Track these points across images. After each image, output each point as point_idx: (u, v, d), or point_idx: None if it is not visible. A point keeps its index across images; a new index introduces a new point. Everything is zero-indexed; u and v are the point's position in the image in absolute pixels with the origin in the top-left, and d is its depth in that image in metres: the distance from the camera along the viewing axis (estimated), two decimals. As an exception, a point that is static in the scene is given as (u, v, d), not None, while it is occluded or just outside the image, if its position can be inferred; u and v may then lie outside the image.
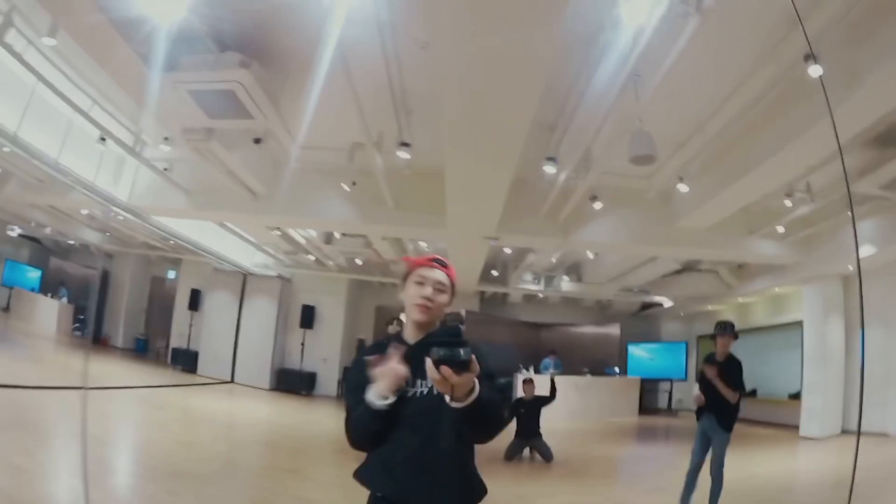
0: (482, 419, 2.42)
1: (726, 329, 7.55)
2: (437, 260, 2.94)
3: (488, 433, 2.56)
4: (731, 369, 7.44)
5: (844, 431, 15.69)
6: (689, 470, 7.58)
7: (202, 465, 8.87)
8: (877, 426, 14.62)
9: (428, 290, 2.80)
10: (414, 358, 2.55)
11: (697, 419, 7.74)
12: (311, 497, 7.93)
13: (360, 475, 2.81)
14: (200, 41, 8.08)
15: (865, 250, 13.58)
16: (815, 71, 7.06)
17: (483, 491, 2.77)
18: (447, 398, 2.31)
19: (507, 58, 6.48)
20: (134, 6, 6.90)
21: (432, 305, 2.80)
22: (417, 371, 2.55)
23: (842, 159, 8.88)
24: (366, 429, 2.63)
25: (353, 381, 2.78)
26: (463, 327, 2.97)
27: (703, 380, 7.61)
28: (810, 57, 6.95)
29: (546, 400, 12.75)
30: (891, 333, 14.88)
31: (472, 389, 2.30)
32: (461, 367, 2.20)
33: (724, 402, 7.41)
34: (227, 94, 8.58)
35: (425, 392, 2.63)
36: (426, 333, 2.82)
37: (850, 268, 15.25)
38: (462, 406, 2.31)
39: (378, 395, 2.51)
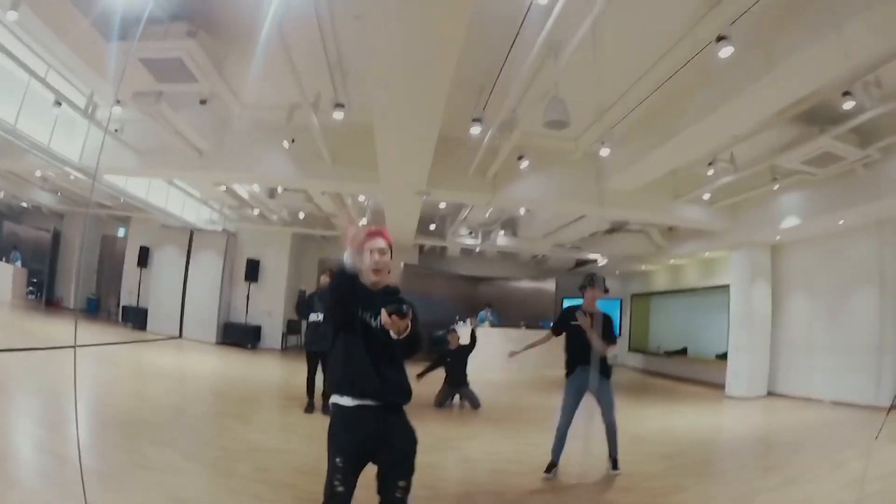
0: (411, 346, 3.88)
1: (595, 282, 7.74)
2: (376, 232, 4.15)
3: (414, 353, 3.98)
4: (608, 324, 7.61)
5: (770, 393, 16.60)
6: (562, 426, 7.46)
7: (155, 415, 9.37)
8: (802, 390, 15.64)
9: (376, 257, 4.04)
10: (373, 300, 3.92)
11: (568, 376, 7.62)
12: (252, 438, 8.51)
13: (332, 386, 4.01)
14: (149, 10, 8.52)
15: (790, 221, 14.52)
16: (725, 52, 7.72)
17: (409, 392, 4.04)
18: (392, 333, 3.72)
19: (425, 25, 7.07)
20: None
21: (380, 266, 4.06)
22: (375, 308, 3.86)
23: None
24: (342, 292, 4.02)
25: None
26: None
27: (573, 336, 7.64)
28: (722, 38, 7.59)
29: (468, 349, 13.42)
30: (815, 301, 15.93)
31: (408, 328, 3.73)
32: (402, 315, 3.67)
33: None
34: (175, 60, 9.17)
35: (378, 326, 3.84)
36: (381, 283, 4.08)
37: (777, 237, 16.17)
38: (399, 338, 3.75)
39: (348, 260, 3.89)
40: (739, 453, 10.09)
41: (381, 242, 4.10)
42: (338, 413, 3.90)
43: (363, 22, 8.00)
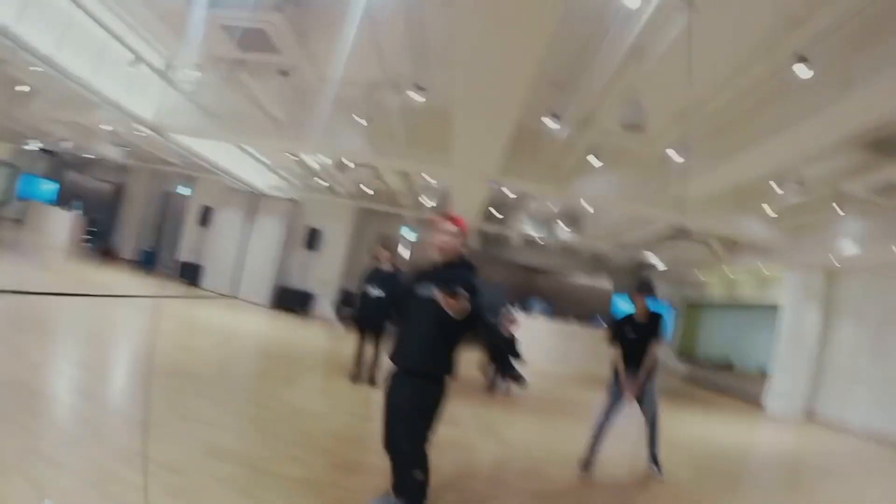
0: (470, 328, 4.27)
1: (643, 288, 7.76)
2: (449, 216, 4.65)
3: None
4: (655, 325, 7.66)
5: (808, 416, 16.37)
6: (601, 425, 7.47)
7: (201, 368, 9.42)
8: (839, 417, 15.40)
9: (441, 237, 4.55)
10: (434, 274, 4.43)
11: (615, 379, 7.61)
12: (294, 402, 8.52)
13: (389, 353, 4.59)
14: None
15: (850, 249, 14.11)
16: (802, 71, 7.58)
17: (452, 370, 4.43)
18: (450, 312, 4.06)
19: (516, 14, 6.94)
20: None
21: (441, 247, 4.54)
22: (433, 281, 4.27)
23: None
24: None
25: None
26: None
27: (622, 339, 7.70)
28: (803, 59, 7.47)
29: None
30: (862, 331, 15.64)
31: (463, 309, 4.05)
32: (453, 295, 3.99)
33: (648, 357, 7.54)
34: (258, 31, 9.16)
35: (429, 297, 4.21)
36: (446, 260, 4.56)
37: (836, 262, 15.74)
38: (455, 316, 4.08)
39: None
40: (769, 471, 9.99)
41: (450, 226, 4.59)
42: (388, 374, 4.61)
43: (452, 7, 7.86)
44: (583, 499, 6.66)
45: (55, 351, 8.44)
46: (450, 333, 4.31)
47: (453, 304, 4.03)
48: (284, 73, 11.03)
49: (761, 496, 8.14)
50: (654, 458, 7.69)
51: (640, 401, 7.61)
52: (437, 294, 4.08)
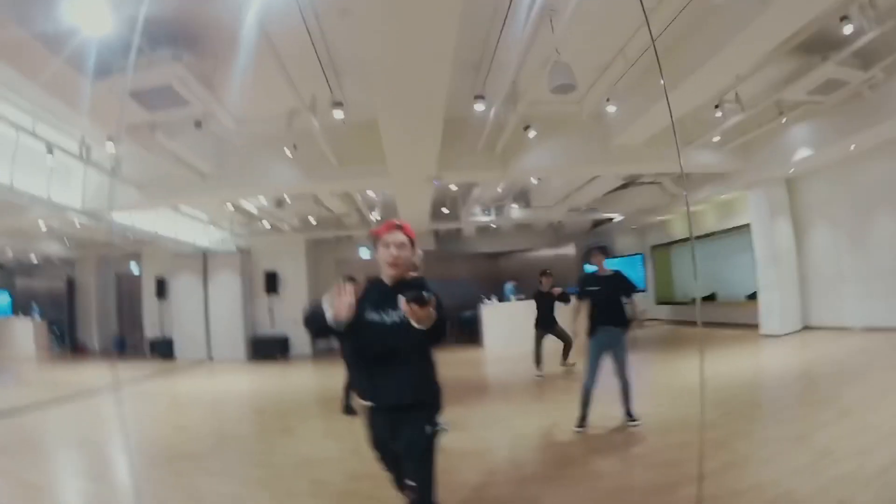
0: (437, 334, 3.57)
1: (593, 249, 8.41)
2: (395, 225, 3.98)
3: (440, 341, 3.70)
4: (620, 281, 8.25)
5: (805, 327, 16.47)
6: (587, 385, 7.97)
7: (199, 444, 9.14)
8: (835, 320, 15.49)
9: (393, 251, 3.88)
10: (391, 295, 3.71)
11: (591, 336, 8.09)
12: (304, 451, 8.29)
13: (354, 388, 4.08)
14: (130, 42, 8.27)
15: (802, 153, 14.32)
16: None
17: (438, 393, 3.97)
18: (414, 323, 3.41)
19: (418, 7, 6.80)
20: (54, 21, 7.13)
21: (399, 261, 3.89)
22: (393, 304, 3.68)
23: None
24: (316, 332, 3.85)
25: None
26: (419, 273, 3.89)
27: (588, 294, 8.25)
28: None
29: (558, 297, 13.30)
30: (837, 231, 15.70)
31: (431, 316, 3.42)
32: (422, 303, 3.35)
33: (618, 310, 8.05)
34: (164, 88, 8.93)
35: (398, 321, 3.68)
36: (400, 278, 3.91)
37: (791, 170, 15.92)
38: (425, 328, 3.43)
39: (332, 320, 3.68)
40: (788, 391, 9.98)
41: (399, 236, 3.96)
42: (367, 413, 4.01)
43: (350, 16, 7.72)
44: (617, 467, 6.66)
45: (49, 466, 8.18)
46: (425, 350, 3.88)
47: (423, 315, 3.42)
48: (198, 124, 10.82)
49: (791, 417, 8.09)
50: (628, 412, 8.04)
51: (613, 356, 7.99)
52: (405, 307, 3.44)
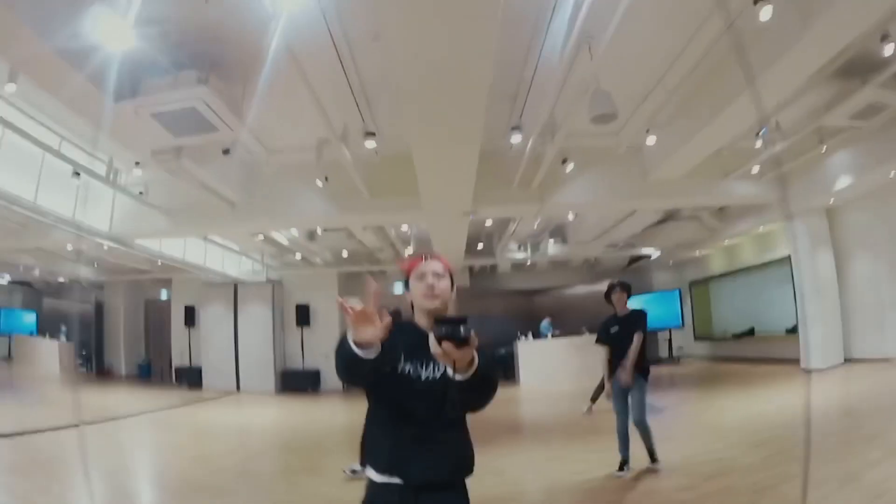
0: (480, 388, 2.61)
1: (615, 287, 8.11)
2: (431, 256, 3.15)
3: (484, 402, 2.74)
4: (636, 319, 7.95)
5: (847, 360, 15.96)
6: (620, 426, 7.86)
7: (219, 478, 8.91)
8: (877, 352, 14.98)
9: (430, 279, 2.99)
10: (424, 342, 2.54)
11: (610, 377, 7.98)
12: (328, 492, 7.93)
13: (369, 456, 2.99)
14: (155, 62, 8.12)
15: (843, 181, 13.89)
16: (765, 13, 7.20)
17: (473, 455, 2.97)
18: (449, 371, 2.48)
19: (453, 34, 6.51)
20: (78, 37, 6.95)
21: (437, 292, 2.98)
22: (429, 354, 2.53)
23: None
24: (346, 365, 2.72)
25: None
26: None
27: (607, 338, 8.06)
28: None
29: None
30: (878, 261, 15.33)
31: (472, 362, 2.47)
32: (461, 342, 2.37)
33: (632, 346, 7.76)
34: (189, 111, 8.66)
35: (437, 377, 2.82)
36: (438, 313, 2.91)
37: (831, 200, 15.52)
38: (464, 378, 2.48)
39: (351, 338, 2.61)
40: (833, 428, 9.50)
41: (435, 265, 3.09)
42: (367, 488, 2.96)
43: (382, 42, 7.41)
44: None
45: (62, 493, 7.85)
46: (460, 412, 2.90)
47: (460, 357, 2.39)
48: (226, 151, 10.61)
49: (838, 456, 7.65)
50: (649, 452, 7.83)
51: (630, 397, 7.82)
52: (434, 347, 2.40)
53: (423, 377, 2.86)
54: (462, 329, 2.38)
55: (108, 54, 7.42)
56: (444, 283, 3.04)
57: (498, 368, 2.84)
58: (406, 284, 3.15)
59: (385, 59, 7.93)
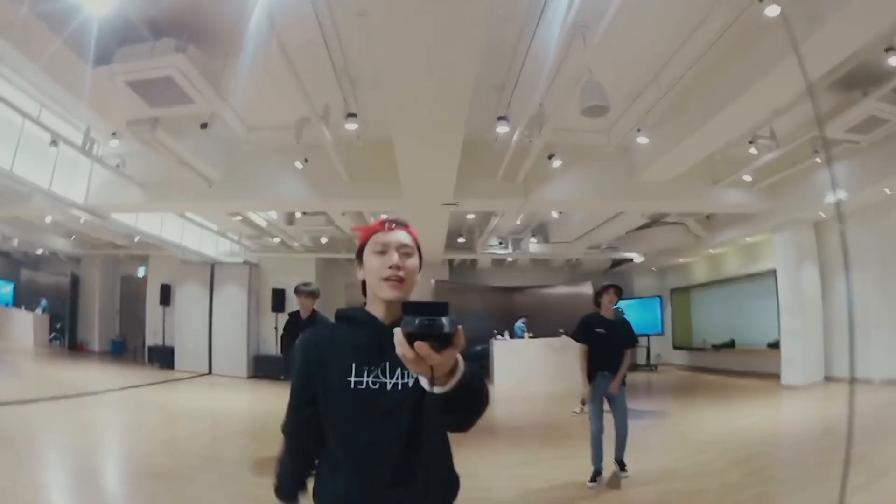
0: (467, 405, 1.80)
1: (608, 288, 7.90)
2: (396, 223, 2.32)
3: (471, 422, 1.91)
4: (627, 333, 7.95)
5: (827, 378, 15.84)
6: (595, 433, 7.63)
7: (180, 463, 8.69)
8: (860, 371, 14.69)
9: (394, 258, 2.18)
10: (389, 338, 1.64)
11: (591, 380, 7.76)
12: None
13: (318, 495, 2.25)
14: (134, 30, 7.95)
15: (834, 196, 13.62)
16: (772, 10, 7.02)
17: (458, 484, 2.30)
18: (424, 383, 1.67)
19: (441, 14, 6.36)
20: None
21: (403, 274, 2.18)
22: (394, 357, 1.67)
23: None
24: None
25: (302, 366, 2.26)
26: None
27: (590, 338, 7.80)
28: None
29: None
30: (866, 278, 15.05)
31: (456, 368, 1.68)
32: (443, 341, 1.56)
33: (617, 356, 7.70)
34: (165, 80, 8.42)
35: (409, 384, 2.11)
36: (397, 301, 2.15)
37: (822, 214, 15.38)
38: (445, 391, 1.67)
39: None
40: (814, 448, 9.34)
41: (402, 235, 2.27)
42: None
43: (368, 18, 7.18)
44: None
45: (21, 470, 7.60)
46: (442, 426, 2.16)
47: (438, 361, 1.57)
48: (204, 125, 10.35)
49: (821, 477, 7.40)
50: (619, 462, 7.78)
51: (611, 403, 7.79)
52: (402, 348, 1.56)
53: (389, 387, 2.13)
54: (444, 322, 1.56)
55: (86, 17, 7.26)
56: (413, 263, 2.25)
57: (483, 373, 2.31)
58: (359, 256, 2.33)
59: (370, 38, 7.73)
